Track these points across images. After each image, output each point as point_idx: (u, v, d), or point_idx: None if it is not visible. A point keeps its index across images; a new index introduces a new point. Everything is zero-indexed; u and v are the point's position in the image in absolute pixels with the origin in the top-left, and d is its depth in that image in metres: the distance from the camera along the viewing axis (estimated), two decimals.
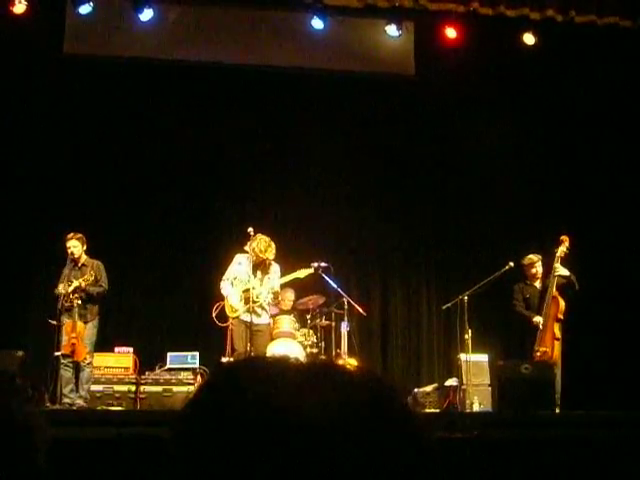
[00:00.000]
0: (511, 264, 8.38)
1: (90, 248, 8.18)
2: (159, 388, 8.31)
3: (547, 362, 7.97)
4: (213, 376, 0.83)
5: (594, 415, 7.10)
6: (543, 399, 7.43)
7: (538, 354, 8.09)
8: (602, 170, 10.08)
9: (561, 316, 8.19)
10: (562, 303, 8.18)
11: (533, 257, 8.49)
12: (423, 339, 10.32)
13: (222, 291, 8.13)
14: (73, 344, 7.75)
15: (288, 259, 8.64)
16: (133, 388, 8.32)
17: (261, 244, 7.90)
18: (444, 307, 8.82)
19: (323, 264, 8.66)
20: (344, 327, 8.80)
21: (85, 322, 7.89)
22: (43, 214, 9.39)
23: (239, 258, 8.14)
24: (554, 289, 8.18)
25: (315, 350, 8.78)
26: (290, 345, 8.41)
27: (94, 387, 8.12)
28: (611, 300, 9.58)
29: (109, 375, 8.36)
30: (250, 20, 9.91)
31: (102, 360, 8.41)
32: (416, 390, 9.00)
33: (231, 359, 7.81)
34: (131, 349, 8.73)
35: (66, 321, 7.82)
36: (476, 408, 8.28)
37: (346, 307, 8.76)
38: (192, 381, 8.30)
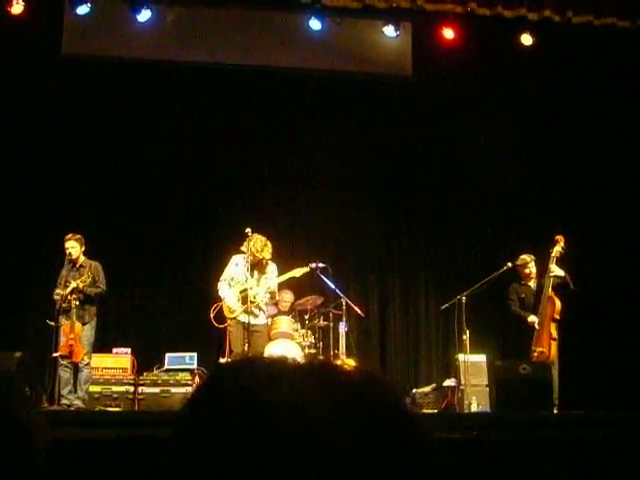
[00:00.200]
0: (509, 264, 8.39)
1: (89, 249, 8.17)
2: (157, 389, 8.31)
3: (545, 362, 7.97)
4: (211, 377, 0.83)
5: (593, 415, 7.09)
6: (541, 399, 7.43)
7: (535, 354, 8.10)
8: (600, 170, 10.09)
9: (557, 316, 8.20)
10: (558, 303, 8.19)
11: (526, 257, 8.49)
12: (421, 340, 10.32)
13: (219, 292, 8.13)
14: (71, 345, 7.75)
15: (286, 260, 8.64)
16: (131, 389, 8.32)
17: (257, 244, 7.91)
18: (442, 308, 8.82)
19: (321, 264, 8.66)
20: (342, 328, 8.80)
21: (83, 323, 7.88)
22: (42, 215, 9.38)
23: (236, 259, 8.14)
24: (549, 289, 8.19)
25: (313, 351, 8.79)
26: (288, 346, 8.41)
27: (92, 388, 8.11)
28: (608, 299, 9.59)
29: (107, 376, 8.36)
30: (248, 21, 9.90)
31: (100, 361, 8.41)
32: (414, 391, 9.01)
33: (229, 360, 7.81)
34: (129, 350, 8.72)
35: (64, 322, 7.81)
36: (474, 408, 8.28)
37: (344, 308, 8.76)
38: (190, 382, 8.30)
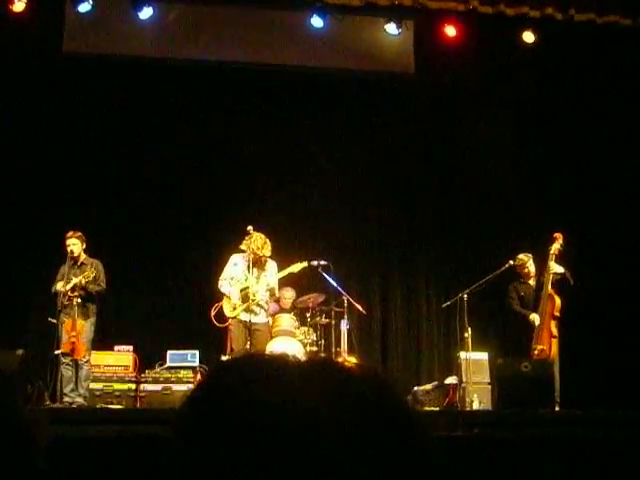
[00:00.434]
0: (511, 262, 8.41)
1: (90, 247, 8.18)
2: (159, 386, 8.31)
3: (546, 360, 7.98)
4: (212, 374, 0.83)
5: (594, 413, 7.10)
6: (543, 397, 7.43)
7: (535, 352, 8.11)
8: (600, 168, 10.08)
9: (557, 313, 8.20)
10: (558, 300, 8.19)
11: (523, 257, 8.49)
12: (423, 337, 10.31)
13: (222, 290, 8.13)
14: (73, 343, 7.75)
15: (288, 258, 8.64)
16: (133, 386, 8.32)
17: (257, 241, 7.92)
18: (444, 305, 8.83)
19: (323, 262, 8.67)
20: (344, 325, 8.80)
21: (84, 320, 7.89)
22: (43, 213, 9.38)
23: (235, 259, 8.16)
24: (549, 287, 8.19)
25: (315, 348, 8.79)
26: (290, 343, 8.42)
27: (94, 385, 8.12)
28: (609, 297, 9.58)
29: (109, 373, 8.37)
30: (250, 19, 9.90)
31: (102, 358, 8.42)
32: (416, 388, 9.00)
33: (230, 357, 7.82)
34: (131, 347, 8.72)
35: (65, 320, 7.82)
36: (476, 406, 8.28)
37: (346, 305, 8.76)
38: (192, 380, 8.30)
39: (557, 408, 7.73)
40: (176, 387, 8.25)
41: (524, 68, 9.99)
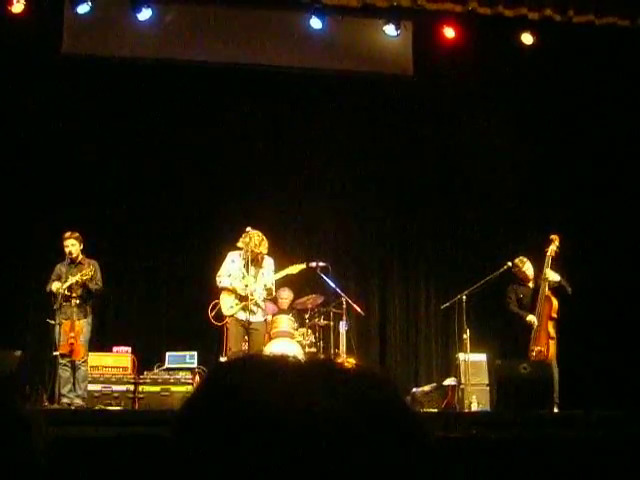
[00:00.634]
0: (509, 264, 8.42)
1: (89, 248, 8.19)
2: (157, 388, 8.31)
3: (545, 361, 7.98)
4: (211, 375, 0.83)
5: (593, 415, 7.09)
6: (541, 399, 7.43)
7: (533, 354, 8.12)
8: (600, 169, 10.08)
9: (555, 315, 8.21)
10: (555, 302, 8.20)
11: (518, 262, 8.49)
12: (421, 339, 10.31)
13: (221, 285, 8.12)
14: (71, 344, 7.75)
15: (286, 259, 8.65)
16: (131, 388, 8.32)
17: (255, 239, 7.93)
18: (442, 307, 8.83)
19: (321, 263, 8.67)
20: (342, 327, 8.80)
21: (82, 319, 7.89)
22: (41, 213, 9.38)
23: (232, 255, 8.16)
24: (546, 289, 8.21)
25: (313, 349, 8.79)
26: (288, 344, 8.42)
27: (92, 387, 8.12)
28: (607, 298, 9.58)
29: (107, 375, 8.36)
30: (248, 20, 9.90)
31: (100, 360, 8.41)
32: (415, 390, 9.01)
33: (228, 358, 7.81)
34: (129, 349, 8.72)
35: (63, 320, 7.81)
36: (474, 408, 8.28)
37: (344, 307, 8.76)
38: (190, 381, 8.30)
39: (557, 409, 7.74)
40: (175, 388, 8.25)
41: (523, 69, 9.99)
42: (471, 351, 8.45)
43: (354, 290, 9.81)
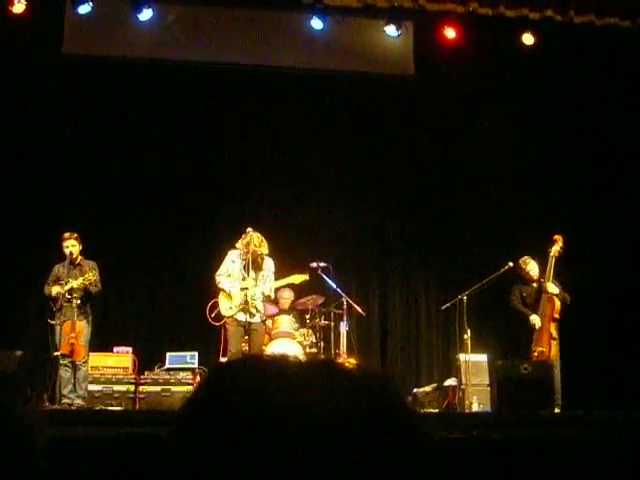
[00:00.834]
0: (510, 264, 8.40)
1: (88, 248, 8.19)
2: (158, 388, 8.30)
3: (546, 362, 7.98)
4: (211, 375, 0.82)
5: (594, 415, 7.10)
6: (542, 399, 7.43)
7: (535, 354, 8.12)
8: (601, 169, 10.08)
9: (557, 315, 8.22)
10: (557, 303, 8.21)
11: (521, 263, 8.49)
12: (422, 339, 10.31)
13: (220, 285, 8.12)
14: (72, 344, 7.75)
15: (287, 259, 8.65)
16: (132, 388, 8.31)
17: (255, 240, 7.93)
18: (443, 307, 8.83)
19: (322, 264, 8.67)
20: (343, 327, 8.79)
21: (83, 321, 7.90)
22: (42, 214, 9.37)
23: (232, 255, 8.16)
24: (548, 291, 8.22)
25: (314, 350, 8.78)
26: (289, 345, 8.42)
27: (93, 387, 8.12)
28: (608, 298, 9.58)
29: (108, 375, 8.35)
30: (249, 20, 9.90)
31: (101, 360, 8.41)
32: (415, 390, 9.00)
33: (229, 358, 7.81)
34: (130, 349, 8.72)
35: (64, 321, 7.81)
36: (475, 408, 8.28)
37: (345, 307, 8.76)
38: (191, 381, 8.29)
39: (558, 410, 7.74)
40: (175, 389, 8.24)
41: (524, 70, 9.99)
42: (472, 351, 8.44)
43: (355, 290, 9.82)
